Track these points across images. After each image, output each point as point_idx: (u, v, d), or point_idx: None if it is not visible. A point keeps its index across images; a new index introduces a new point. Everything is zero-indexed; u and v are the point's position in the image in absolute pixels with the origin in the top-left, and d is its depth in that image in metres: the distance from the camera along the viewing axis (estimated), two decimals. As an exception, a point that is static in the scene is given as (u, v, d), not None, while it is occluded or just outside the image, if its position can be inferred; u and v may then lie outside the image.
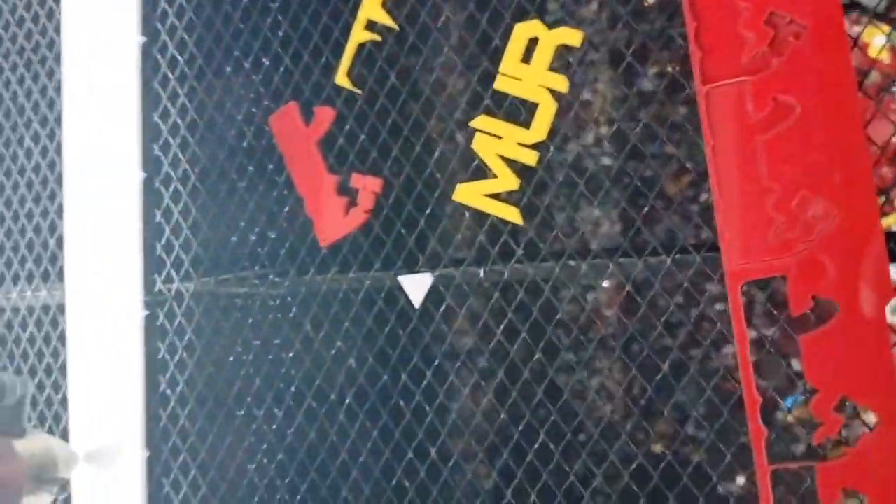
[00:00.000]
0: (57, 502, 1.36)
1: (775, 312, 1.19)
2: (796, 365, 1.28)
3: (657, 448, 1.44)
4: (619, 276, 1.23)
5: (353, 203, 1.37)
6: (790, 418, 1.43)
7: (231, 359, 1.48)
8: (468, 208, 1.31)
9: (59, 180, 1.63)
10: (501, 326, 1.30)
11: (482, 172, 1.30)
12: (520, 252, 1.27)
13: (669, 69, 1.40)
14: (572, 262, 1.25)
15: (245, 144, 1.48)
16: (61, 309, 1.62)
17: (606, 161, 1.51)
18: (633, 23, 1.28)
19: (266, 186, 1.46)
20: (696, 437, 1.39)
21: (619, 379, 1.49)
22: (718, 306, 1.46)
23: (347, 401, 1.39)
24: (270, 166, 1.45)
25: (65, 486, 1.29)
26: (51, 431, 1.61)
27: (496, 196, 1.28)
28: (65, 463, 1.33)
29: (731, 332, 1.24)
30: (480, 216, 1.31)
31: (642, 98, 1.38)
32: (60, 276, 1.61)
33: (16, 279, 1.68)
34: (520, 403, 1.30)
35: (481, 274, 1.30)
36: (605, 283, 1.55)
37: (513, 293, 1.31)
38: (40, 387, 1.63)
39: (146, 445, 1.50)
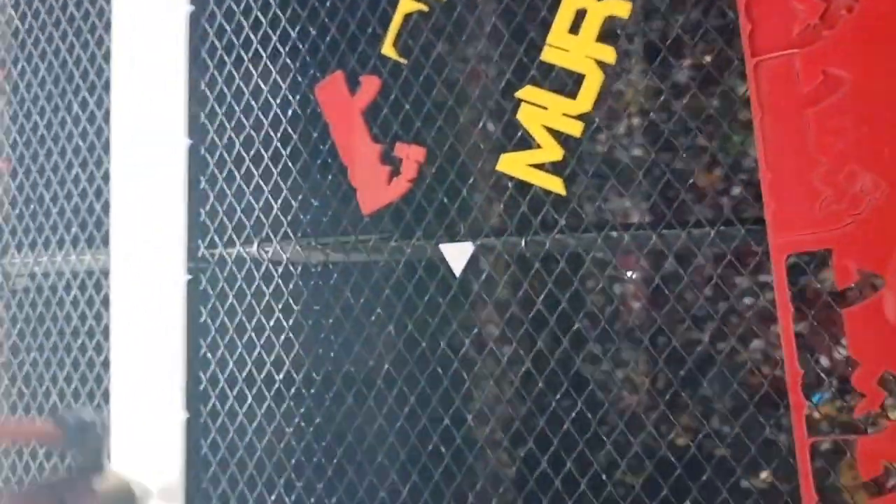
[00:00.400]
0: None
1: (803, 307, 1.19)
2: (824, 362, 1.28)
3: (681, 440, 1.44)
4: (663, 247, 1.23)
5: (396, 172, 1.38)
6: (817, 415, 1.43)
7: (271, 324, 1.50)
8: (511, 178, 1.32)
9: (106, 147, 1.66)
10: (541, 297, 1.30)
11: (526, 143, 1.30)
12: (562, 222, 1.28)
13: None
14: (614, 234, 1.25)
15: (290, 113, 1.49)
16: (105, 273, 1.65)
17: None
18: (670, 14, 1.28)
19: (310, 155, 1.48)
20: (720, 431, 1.38)
21: (644, 371, 1.49)
22: (747, 300, 1.46)
23: (386, 367, 1.41)
24: (315, 135, 1.47)
25: None
26: (92, 394, 1.65)
27: (539, 167, 1.29)
28: (141, 500, 1.35)
29: (759, 327, 1.24)
30: (523, 186, 1.32)
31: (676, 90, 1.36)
32: (106, 240, 1.64)
33: (61, 244, 1.72)
34: (557, 372, 1.30)
35: (522, 244, 1.31)
36: (631, 274, 1.55)
37: (554, 264, 1.32)
38: (82, 349, 1.67)
39: (186, 407, 1.52)
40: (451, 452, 1.35)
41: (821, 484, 1.13)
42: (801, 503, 1.12)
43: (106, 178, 1.66)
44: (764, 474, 1.44)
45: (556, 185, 1.28)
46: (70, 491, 1.20)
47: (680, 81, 1.34)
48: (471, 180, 1.36)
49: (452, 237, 1.36)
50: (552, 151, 1.28)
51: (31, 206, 1.77)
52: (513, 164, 1.31)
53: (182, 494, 1.51)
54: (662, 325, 1.30)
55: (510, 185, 1.32)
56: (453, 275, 1.34)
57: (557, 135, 1.27)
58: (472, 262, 1.34)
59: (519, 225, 1.32)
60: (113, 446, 1.55)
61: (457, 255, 1.33)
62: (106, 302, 1.64)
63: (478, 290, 1.34)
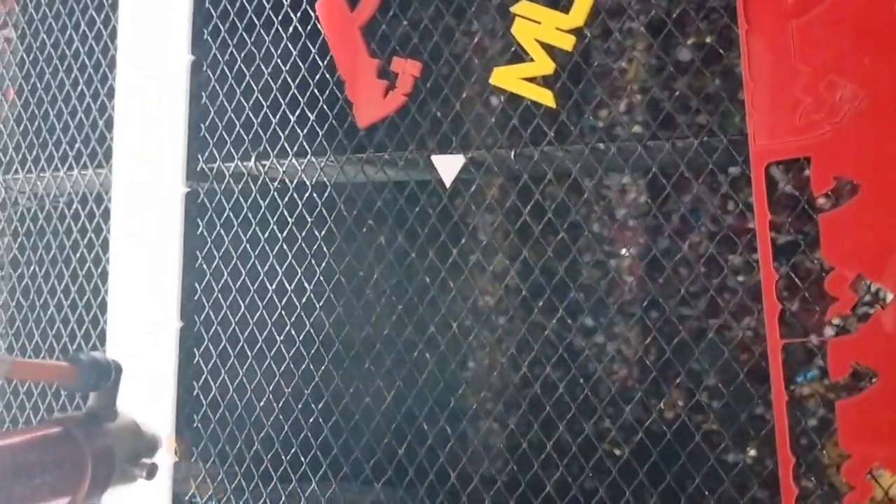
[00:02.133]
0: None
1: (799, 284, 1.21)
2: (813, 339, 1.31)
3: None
4: (647, 160, 1.26)
5: (392, 86, 1.42)
6: (804, 392, 1.46)
7: (266, 236, 1.54)
8: (503, 92, 1.35)
9: (111, 65, 1.70)
10: (527, 208, 1.34)
11: (519, 58, 1.34)
12: (550, 135, 1.31)
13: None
14: (601, 145, 1.28)
15: (290, 30, 1.53)
16: (106, 189, 1.69)
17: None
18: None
19: (308, 70, 1.51)
20: (709, 405, 1.40)
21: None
22: (740, 277, 1.49)
23: (375, 276, 1.45)
24: (313, 51, 1.50)
25: (151, 471, 1.30)
26: (89, 304, 1.69)
27: (531, 80, 1.32)
28: (151, 446, 1.33)
29: (751, 303, 1.27)
30: (514, 101, 1.35)
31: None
32: (108, 156, 1.68)
33: (64, 160, 1.75)
34: (543, 284, 1.34)
35: (511, 156, 1.34)
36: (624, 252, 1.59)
37: (541, 180, 1.35)
38: (81, 261, 1.71)
39: (180, 316, 1.56)
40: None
41: (806, 460, 1.16)
42: (773, 407, 1.15)
43: (110, 95, 1.69)
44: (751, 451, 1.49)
45: (547, 98, 1.31)
46: (81, 428, 1.18)
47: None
48: (464, 94, 1.40)
49: (444, 150, 1.39)
50: (544, 65, 1.31)
51: (36, 124, 1.80)
52: (506, 77, 1.34)
53: (173, 399, 1.54)
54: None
55: (502, 99, 1.35)
56: (444, 187, 1.38)
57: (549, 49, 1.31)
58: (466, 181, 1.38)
59: (509, 139, 1.36)
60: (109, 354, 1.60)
61: (448, 167, 1.36)
62: (106, 216, 1.68)
63: (467, 201, 1.38)
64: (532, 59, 1.32)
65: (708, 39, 1.43)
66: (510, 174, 1.49)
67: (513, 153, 1.34)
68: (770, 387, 1.14)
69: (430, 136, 1.42)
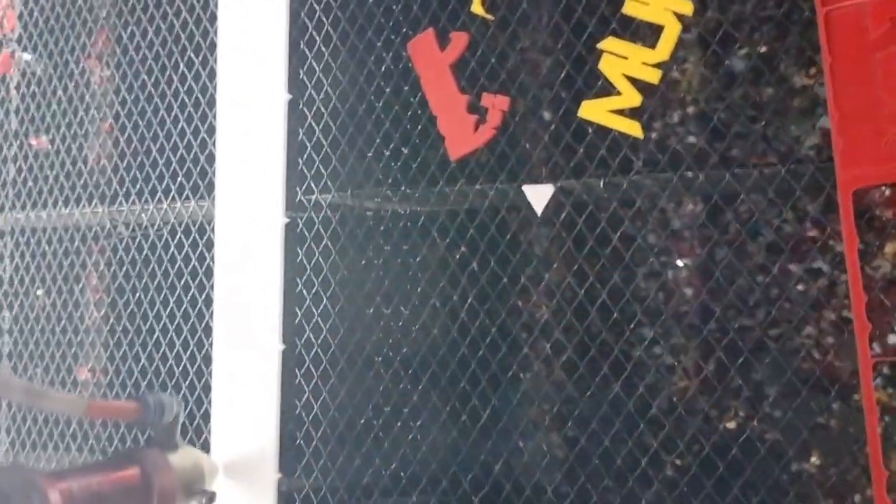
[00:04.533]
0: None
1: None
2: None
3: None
4: (736, 186, 1.32)
5: (482, 120, 1.50)
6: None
7: (363, 262, 1.63)
8: (591, 124, 1.42)
9: (210, 103, 1.81)
10: (618, 233, 1.41)
11: (605, 92, 1.41)
12: (639, 164, 1.38)
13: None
14: (689, 174, 1.35)
15: (383, 69, 1.62)
16: (209, 220, 1.80)
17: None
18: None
19: (401, 107, 1.60)
20: (771, 415, 1.41)
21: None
22: (800, 286, 1.53)
23: (469, 300, 1.53)
24: (406, 88, 1.59)
25: (211, 499, 1.44)
26: (194, 329, 1.80)
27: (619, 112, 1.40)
28: (210, 475, 1.47)
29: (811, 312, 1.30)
30: (602, 132, 1.42)
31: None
32: (209, 189, 1.79)
33: (167, 193, 1.87)
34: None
35: (601, 185, 1.41)
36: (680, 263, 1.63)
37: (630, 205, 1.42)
38: (186, 288, 1.82)
39: (282, 340, 1.66)
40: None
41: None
42: (866, 429, 1.19)
43: (210, 131, 1.80)
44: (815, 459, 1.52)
45: (635, 129, 1.38)
46: (148, 461, 1.33)
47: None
48: (552, 127, 1.47)
49: (534, 180, 1.47)
50: (631, 98, 1.38)
51: (139, 159, 1.93)
52: (594, 110, 1.41)
53: (276, 420, 1.64)
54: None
55: (590, 130, 1.42)
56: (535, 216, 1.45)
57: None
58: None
59: (598, 168, 1.43)
60: (214, 378, 1.71)
61: (538, 196, 1.44)
62: (209, 245, 1.78)
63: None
64: (619, 93, 1.39)
65: (762, 49, 1.46)
66: (577, 202, 1.54)
67: (602, 181, 1.41)
68: (832, 396, 1.15)
69: (518, 166, 1.50)
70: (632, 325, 1.42)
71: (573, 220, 1.45)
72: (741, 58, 1.45)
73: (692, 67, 1.50)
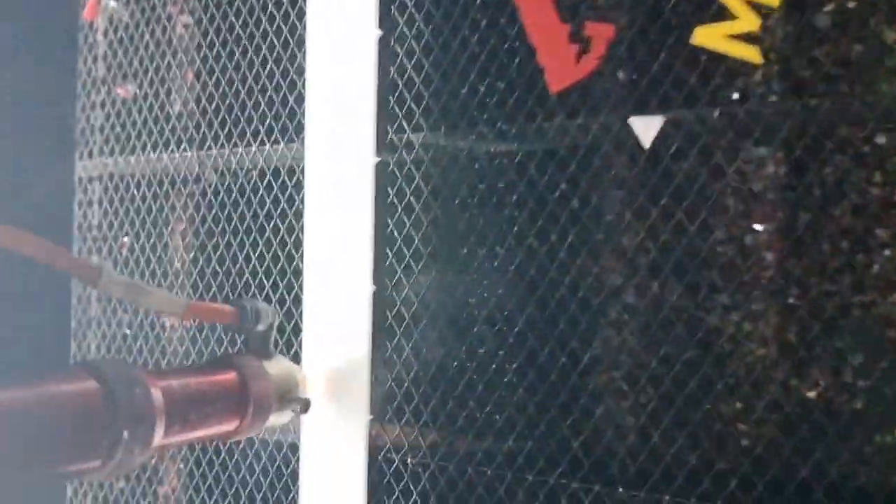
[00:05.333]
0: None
1: None
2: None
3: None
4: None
5: (584, 50, 1.43)
6: None
7: (456, 203, 1.59)
8: (704, 52, 1.34)
9: (299, 42, 1.78)
10: (734, 165, 1.33)
11: (720, 17, 1.32)
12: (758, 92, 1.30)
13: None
14: (813, 101, 1.26)
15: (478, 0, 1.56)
16: (298, 161, 1.78)
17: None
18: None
19: (497, 40, 1.54)
20: (854, 385, 1.32)
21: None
22: (886, 252, 1.42)
23: (570, 238, 1.47)
24: (502, 20, 1.53)
25: (306, 406, 1.43)
26: (283, 271, 1.79)
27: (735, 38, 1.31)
28: (303, 385, 1.46)
29: None
30: (715, 60, 1.34)
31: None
32: (298, 131, 1.77)
33: (255, 135, 1.86)
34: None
35: (715, 115, 1.34)
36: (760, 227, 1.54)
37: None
38: (275, 231, 1.81)
39: (373, 281, 1.63)
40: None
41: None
42: None
43: (299, 72, 1.78)
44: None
45: (753, 55, 1.29)
46: (244, 366, 1.32)
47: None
48: (661, 56, 1.40)
49: (641, 112, 1.40)
50: (749, 21, 1.30)
51: (227, 102, 1.92)
52: (709, 36, 1.33)
53: (368, 363, 1.62)
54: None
55: (703, 58, 1.34)
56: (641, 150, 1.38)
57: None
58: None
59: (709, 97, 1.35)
60: (305, 319, 1.70)
61: (646, 128, 1.37)
62: (298, 188, 1.77)
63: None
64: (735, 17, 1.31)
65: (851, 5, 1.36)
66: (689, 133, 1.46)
67: (716, 112, 1.33)
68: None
69: (625, 97, 1.43)
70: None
71: (685, 153, 1.37)
72: (826, 14, 1.36)
73: (774, 23, 1.40)
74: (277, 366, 1.38)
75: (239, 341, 1.47)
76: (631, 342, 1.50)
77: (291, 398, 1.37)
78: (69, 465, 1.00)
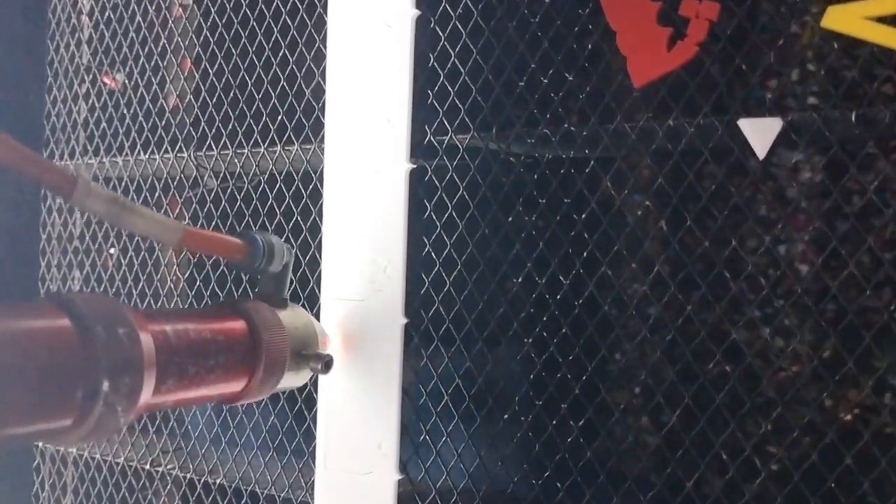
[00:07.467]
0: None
1: None
2: None
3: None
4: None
5: (679, 34, 1.15)
6: None
7: (510, 220, 1.31)
8: (837, 37, 1.07)
9: (319, 23, 1.50)
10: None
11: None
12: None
13: None
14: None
15: (542, -28, 1.28)
16: (314, 166, 1.50)
17: None
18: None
19: (564, 22, 1.26)
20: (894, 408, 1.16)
21: None
22: None
23: (642, 255, 1.19)
24: (573, -3, 1.25)
25: (328, 363, 1.16)
26: (304, 278, 1.50)
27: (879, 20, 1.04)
28: (322, 340, 1.21)
29: None
30: (849, 48, 1.07)
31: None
32: (316, 130, 1.49)
33: (264, 135, 1.58)
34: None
35: (853, 118, 1.06)
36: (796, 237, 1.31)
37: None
38: (296, 230, 1.52)
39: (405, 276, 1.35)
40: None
41: None
42: None
43: (317, 59, 1.50)
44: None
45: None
46: (255, 314, 1.06)
47: None
48: (779, 42, 1.12)
49: (752, 113, 1.12)
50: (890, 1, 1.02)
51: (231, 95, 1.63)
52: (843, 18, 1.05)
53: (400, 350, 1.34)
54: None
55: (836, 45, 1.07)
56: (754, 157, 1.11)
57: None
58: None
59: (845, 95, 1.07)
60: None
61: (760, 132, 1.09)
62: (315, 197, 1.49)
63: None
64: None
65: None
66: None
67: (854, 114, 1.06)
68: None
69: (731, 95, 1.15)
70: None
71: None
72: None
73: (812, 19, 1.14)
74: (294, 315, 1.13)
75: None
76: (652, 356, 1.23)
77: (309, 353, 1.11)
78: (32, 425, 0.73)
